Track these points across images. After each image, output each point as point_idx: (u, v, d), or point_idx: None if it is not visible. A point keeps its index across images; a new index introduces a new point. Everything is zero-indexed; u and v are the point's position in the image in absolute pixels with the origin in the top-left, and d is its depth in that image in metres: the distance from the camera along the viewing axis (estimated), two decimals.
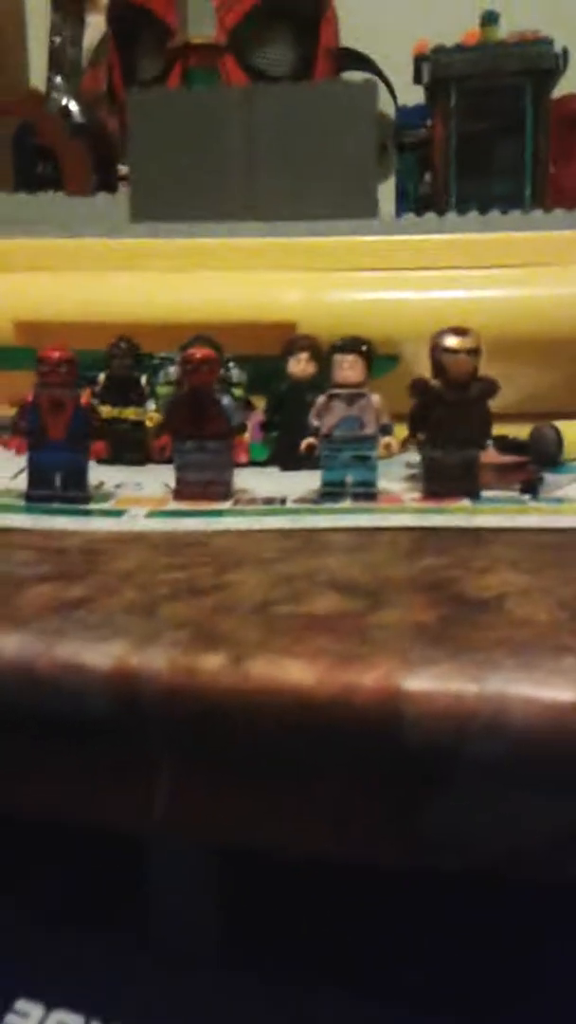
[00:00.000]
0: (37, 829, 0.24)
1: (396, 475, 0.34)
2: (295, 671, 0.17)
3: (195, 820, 0.18)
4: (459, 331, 0.31)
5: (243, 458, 0.37)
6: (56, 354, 0.31)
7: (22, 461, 0.32)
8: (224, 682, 0.17)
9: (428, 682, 0.17)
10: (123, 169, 0.65)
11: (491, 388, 0.31)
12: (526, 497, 0.31)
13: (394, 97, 0.62)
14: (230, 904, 0.24)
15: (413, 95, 0.58)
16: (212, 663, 0.18)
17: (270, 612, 0.20)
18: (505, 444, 0.35)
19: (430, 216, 0.46)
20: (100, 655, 0.18)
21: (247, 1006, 0.22)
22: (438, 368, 0.31)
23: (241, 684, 0.17)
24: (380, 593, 0.22)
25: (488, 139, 0.53)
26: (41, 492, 0.31)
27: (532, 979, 0.24)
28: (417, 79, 0.54)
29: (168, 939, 0.24)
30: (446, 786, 0.16)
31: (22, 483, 0.32)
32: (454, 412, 0.31)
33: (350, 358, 0.32)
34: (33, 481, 0.32)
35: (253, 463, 0.38)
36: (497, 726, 0.16)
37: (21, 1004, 0.23)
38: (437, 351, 0.31)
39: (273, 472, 0.37)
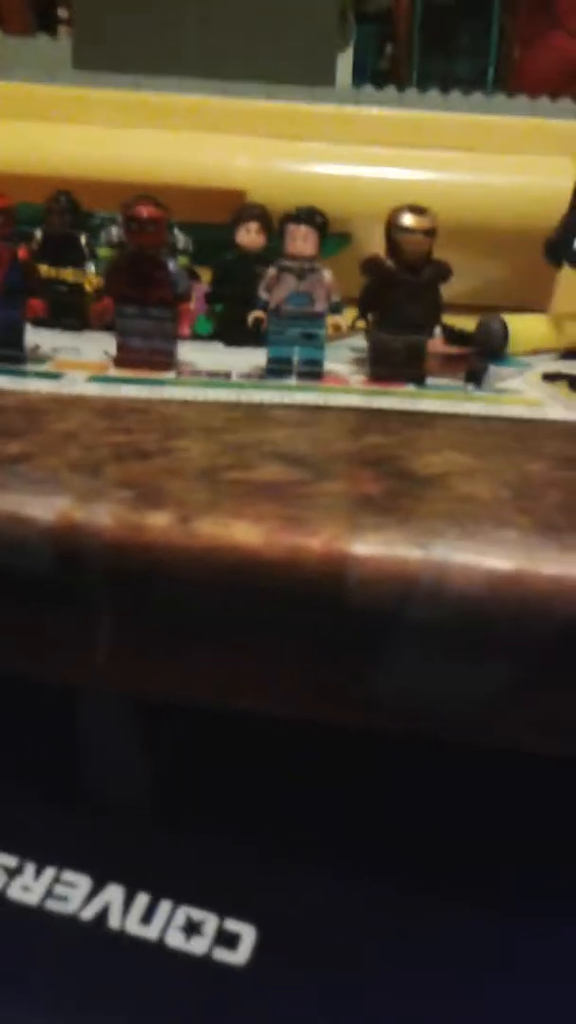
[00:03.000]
0: None
1: (342, 357, 0.34)
2: (241, 532, 0.17)
3: (134, 675, 0.18)
4: (416, 209, 0.30)
5: (186, 330, 0.36)
6: None
7: None
8: (170, 540, 0.17)
9: (373, 547, 0.17)
10: (64, 13, 0.61)
11: (444, 272, 0.31)
12: (470, 387, 0.31)
13: None
14: (161, 756, 0.25)
15: None
16: (158, 521, 0.17)
17: (216, 477, 0.20)
18: (452, 334, 0.35)
19: (390, 90, 0.44)
20: (43, 508, 0.18)
21: (174, 853, 0.23)
22: (392, 247, 0.31)
23: (187, 542, 0.17)
24: (325, 465, 0.22)
25: (454, 15, 0.50)
26: None
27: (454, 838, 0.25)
28: None
29: (98, 788, 0.24)
30: (388, 649, 0.16)
31: None
32: (405, 294, 0.31)
33: (304, 229, 0.31)
34: None
35: (196, 336, 0.37)
36: (439, 591, 0.16)
37: None
38: (393, 229, 0.30)
39: (217, 347, 0.36)
